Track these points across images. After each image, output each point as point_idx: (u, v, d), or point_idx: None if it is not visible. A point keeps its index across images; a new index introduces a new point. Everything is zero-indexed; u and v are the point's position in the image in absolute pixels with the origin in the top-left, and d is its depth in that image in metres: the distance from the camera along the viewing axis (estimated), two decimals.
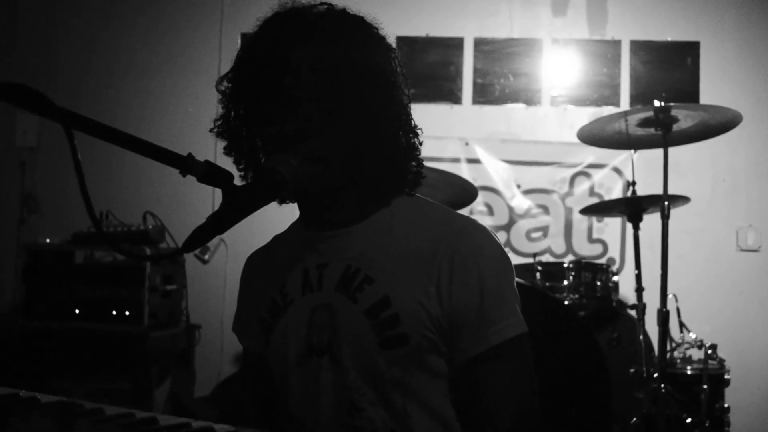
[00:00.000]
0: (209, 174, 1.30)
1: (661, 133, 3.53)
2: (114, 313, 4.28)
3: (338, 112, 1.46)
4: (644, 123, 3.61)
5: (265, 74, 1.48)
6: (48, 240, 4.51)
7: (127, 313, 4.27)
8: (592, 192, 4.97)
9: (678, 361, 4.01)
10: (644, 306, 3.71)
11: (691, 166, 4.79)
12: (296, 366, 1.55)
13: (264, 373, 1.68)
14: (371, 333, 1.47)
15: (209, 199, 4.63)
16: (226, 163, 1.45)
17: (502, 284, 1.50)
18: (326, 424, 1.51)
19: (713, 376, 3.90)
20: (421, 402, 1.49)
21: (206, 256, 4.99)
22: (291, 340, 1.56)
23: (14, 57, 5.13)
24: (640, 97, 4.93)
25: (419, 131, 1.59)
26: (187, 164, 1.28)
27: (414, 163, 1.58)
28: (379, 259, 1.52)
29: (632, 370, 3.68)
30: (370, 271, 1.51)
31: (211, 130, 1.57)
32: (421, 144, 1.59)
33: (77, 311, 4.30)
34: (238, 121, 1.55)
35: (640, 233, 3.81)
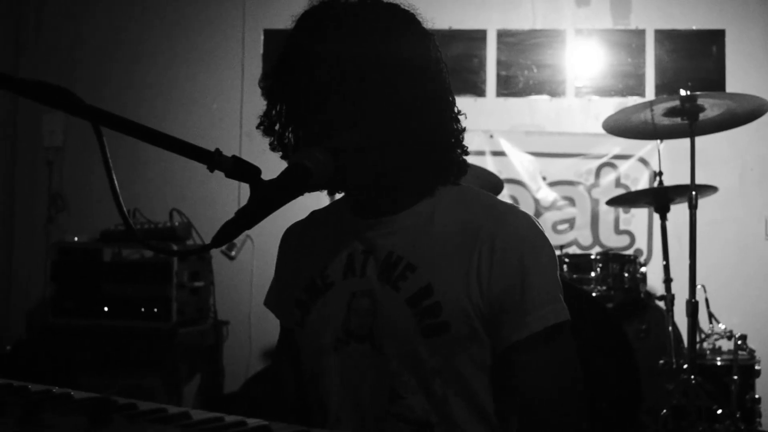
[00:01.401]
0: (237, 169, 1.30)
1: (688, 123, 3.51)
2: (142, 310, 4.31)
3: (375, 103, 1.45)
4: (670, 113, 3.59)
5: (302, 69, 1.48)
6: (76, 238, 4.55)
7: (155, 310, 4.30)
8: (618, 183, 4.95)
9: (707, 352, 3.99)
10: (673, 297, 3.70)
11: (718, 155, 4.75)
12: (333, 351, 1.54)
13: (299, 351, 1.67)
14: (413, 321, 1.46)
15: (235, 196, 4.64)
16: (252, 159, 1.45)
17: (543, 271, 1.49)
18: (365, 410, 1.50)
19: (743, 366, 3.88)
20: (461, 391, 1.48)
21: (233, 252, 5.01)
22: (328, 324, 1.55)
23: (38, 55, 5.17)
24: (665, 87, 4.90)
25: (463, 116, 1.57)
26: (214, 160, 1.27)
27: (459, 151, 1.57)
28: (421, 247, 1.51)
29: (661, 362, 3.67)
30: (412, 258, 1.50)
31: (257, 127, 1.57)
32: (464, 130, 1.58)
33: (106, 309, 4.34)
34: (280, 117, 1.55)
35: (668, 224, 3.79)
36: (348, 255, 1.57)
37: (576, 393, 1.51)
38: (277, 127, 1.56)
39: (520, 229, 1.50)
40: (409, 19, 1.55)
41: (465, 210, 1.54)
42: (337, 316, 1.54)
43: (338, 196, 1.64)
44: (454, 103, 1.56)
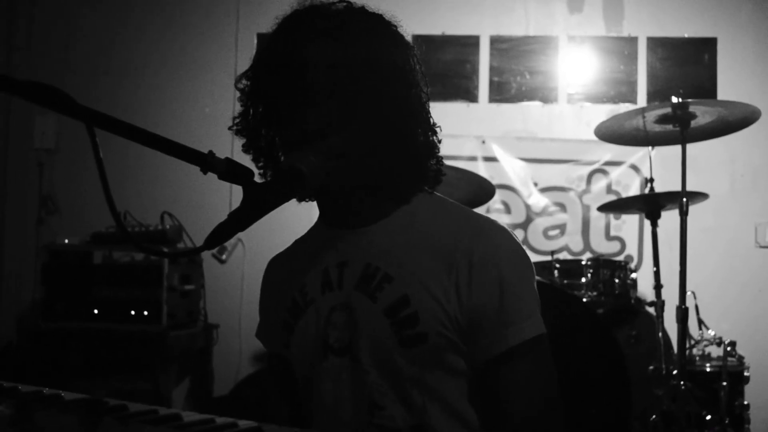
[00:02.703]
0: (230, 171, 1.30)
1: (679, 130, 3.52)
2: (132, 313, 4.30)
3: (357, 109, 1.45)
4: (662, 120, 3.60)
5: (284, 72, 1.47)
6: (67, 240, 4.53)
7: (145, 313, 4.29)
8: (609, 189, 4.96)
9: (697, 358, 4.00)
10: (663, 303, 3.71)
11: (709, 162, 4.77)
12: (316, 366, 1.55)
13: (289, 375, 1.67)
14: (390, 332, 1.46)
15: (226, 199, 4.63)
16: (244, 162, 1.45)
17: (521, 284, 1.49)
18: (348, 422, 1.51)
19: (732, 373, 3.89)
20: (439, 400, 1.48)
21: (224, 256, 5.00)
22: (309, 341, 1.56)
23: (31, 55, 5.16)
24: (657, 94, 4.92)
25: (438, 129, 1.58)
26: (207, 161, 1.27)
27: (433, 161, 1.58)
28: (398, 257, 1.51)
29: (651, 368, 3.68)
30: (389, 269, 1.50)
31: (230, 128, 1.57)
32: (440, 142, 1.58)
33: (96, 311, 4.33)
34: (257, 119, 1.54)
35: (658, 230, 3.80)
36: (323, 269, 1.57)
37: (556, 404, 1.51)
38: (252, 129, 1.55)
39: (499, 243, 1.50)
40: (392, 30, 1.56)
41: (443, 221, 1.54)
42: (317, 332, 1.54)
43: (304, 204, 1.62)
44: (429, 114, 1.57)
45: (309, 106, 1.44)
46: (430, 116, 1.57)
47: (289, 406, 1.72)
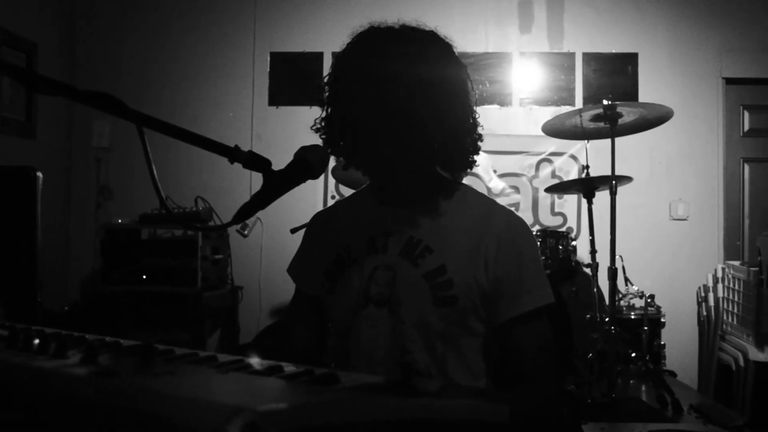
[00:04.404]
0: (252, 161, 1.28)
1: (609, 126, 3.53)
2: (173, 278, 4.30)
3: (422, 115, 1.43)
4: (595, 118, 3.60)
5: (361, 83, 1.44)
6: (120, 221, 4.52)
7: (184, 277, 4.29)
8: (553, 175, 4.96)
9: (624, 308, 4.03)
10: (597, 265, 3.72)
11: (633, 152, 4.78)
12: (356, 312, 1.53)
13: (311, 311, 1.66)
14: (428, 293, 1.46)
15: (247, 186, 4.62)
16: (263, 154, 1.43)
17: (535, 261, 1.52)
18: (381, 361, 1.50)
19: (652, 319, 3.92)
20: (457, 352, 1.49)
21: (246, 231, 4.99)
22: (353, 290, 1.54)
23: (91, 72, 5.12)
24: (591, 98, 4.92)
25: (481, 130, 1.56)
26: (234, 154, 1.27)
27: (473, 156, 1.57)
28: (438, 234, 1.51)
29: (588, 316, 3.70)
30: (430, 242, 1.50)
31: (312, 127, 1.54)
32: (482, 141, 1.56)
33: (144, 277, 4.33)
34: (336, 120, 1.51)
35: (593, 207, 3.81)
36: (370, 236, 1.56)
37: (555, 359, 1.53)
38: (332, 129, 1.51)
39: (519, 228, 1.53)
40: (453, 51, 1.53)
41: (475, 209, 1.55)
42: (360, 284, 1.53)
43: (308, 191, 1.58)
44: (476, 120, 1.55)
45: (386, 123, 1.42)
46: (478, 122, 1.55)
47: (307, 333, 1.68)
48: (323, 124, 1.53)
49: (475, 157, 1.57)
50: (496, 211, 1.54)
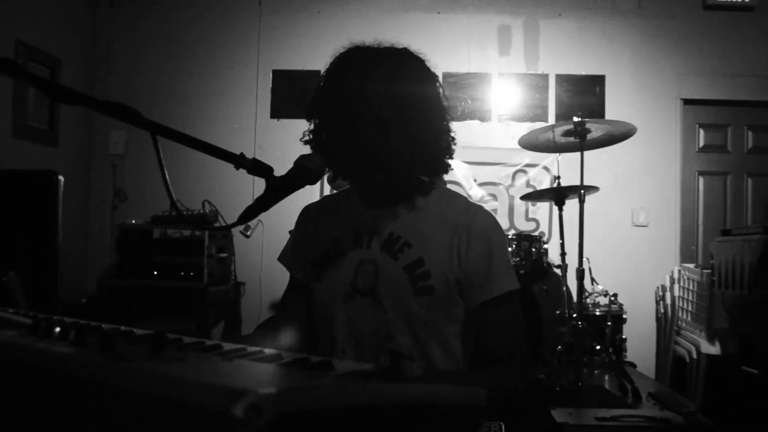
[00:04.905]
0: (256, 167, 1.28)
1: (579, 141, 3.54)
2: (182, 274, 4.28)
3: (399, 132, 1.43)
4: (566, 133, 3.62)
5: (339, 97, 1.45)
6: (133, 221, 4.50)
7: (191, 273, 4.28)
8: (528, 184, 4.98)
9: (590, 305, 4.04)
10: (566, 266, 3.73)
11: (599, 164, 4.81)
12: (342, 301, 1.52)
13: (303, 297, 1.64)
14: (408, 283, 1.46)
15: (250, 191, 4.62)
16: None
17: (502, 252, 1.52)
18: (367, 345, 1.50)
19: (615, 316, 3.95)
20: (438, 337, 1.48)
21: (248, 232, 4.98)
22: (340, 281, 1.53)
23: (109, 85, 5.10)
24: (562, 115, 4.94)
25: (454, 139, 1.56)
26: (239, 161, 1.26)
27: (447, 160, 1.56)
28: (415, 230, 1.51)
29: (558, 312, 3.71)
30: (408, 238, 1.50)
31: (301, 140, 1.53)
32: (455, 145, 1.57)
33: (155, 273, 4.31)
34: (323, 133, 1.50)
35: (563, 213, 3.82)
36: (356, 231, 1.56)
37: (523, 340, 1.53)
38: (320, 141, 1.50)
39: (488, 222, 1.53)
40: (426, 67, 1.54)
41: (449, 207, 1.55)
42: (347, 275, 1.53)
43: (305, 196, 1.56)
44: (450, 130, 1.55)
45: (358, 128, 1.42)
46: (450, 127, 1.55)
47: (299, 310, 1.66)
48: (311, 136, 1.53)
49: (449, 161, 1.56)
50: (468, 208, 1.55)
